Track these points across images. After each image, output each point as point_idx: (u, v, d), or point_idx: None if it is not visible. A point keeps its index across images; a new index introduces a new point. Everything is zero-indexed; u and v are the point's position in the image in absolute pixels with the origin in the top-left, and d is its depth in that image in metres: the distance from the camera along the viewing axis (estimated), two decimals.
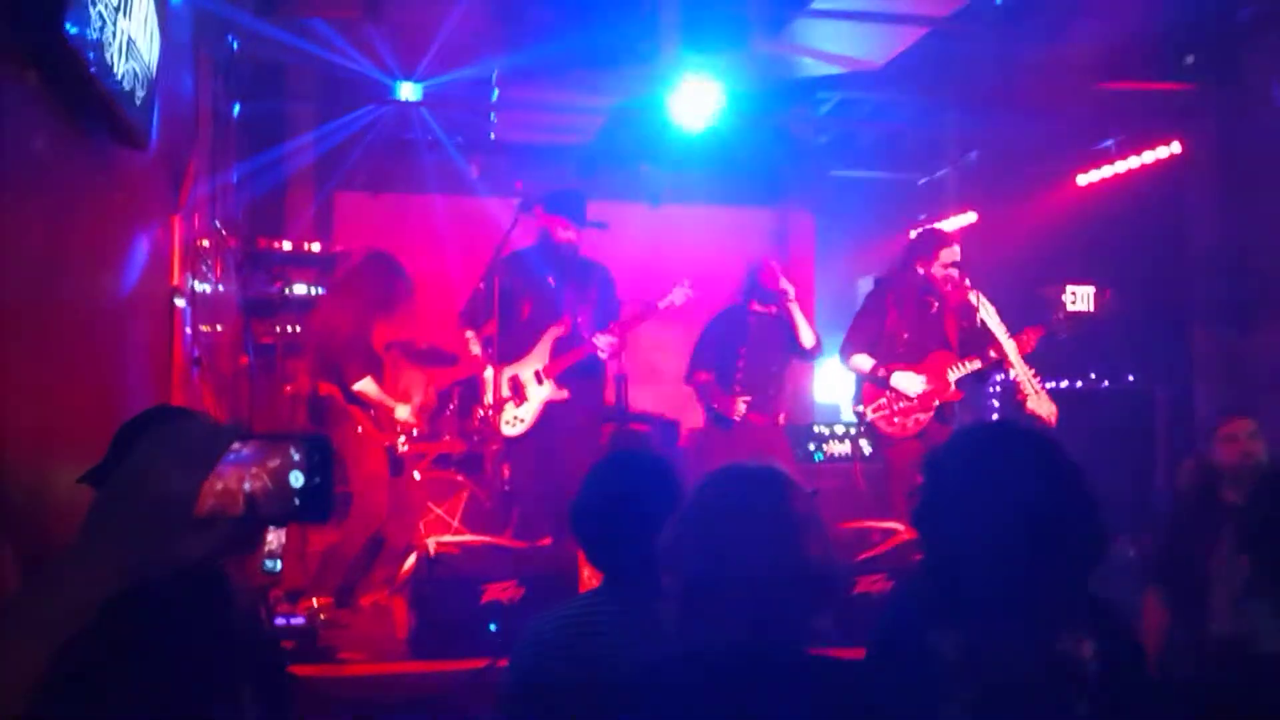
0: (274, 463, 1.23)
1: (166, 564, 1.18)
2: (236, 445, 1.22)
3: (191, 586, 1.93)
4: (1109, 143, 8.74)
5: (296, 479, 1.23)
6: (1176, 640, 4.46)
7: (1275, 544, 2.27)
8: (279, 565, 3.55)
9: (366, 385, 6.09)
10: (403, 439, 6.33)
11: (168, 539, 1.17)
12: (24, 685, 1.09)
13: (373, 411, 6.15)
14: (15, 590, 2.13)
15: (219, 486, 1.20)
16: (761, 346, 6.68)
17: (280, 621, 4.84)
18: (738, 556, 1.95)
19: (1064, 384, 8.52)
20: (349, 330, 6.12)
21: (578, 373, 6.29)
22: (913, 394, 6.08)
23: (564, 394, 6.19)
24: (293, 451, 1.24)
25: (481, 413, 6.94)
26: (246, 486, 1.22)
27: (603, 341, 6.24)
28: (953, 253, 6.18)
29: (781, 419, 6.89)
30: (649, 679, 2.02)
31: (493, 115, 9.97)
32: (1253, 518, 2.48)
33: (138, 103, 4.15)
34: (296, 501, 1.23)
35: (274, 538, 3.82)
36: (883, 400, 6.15)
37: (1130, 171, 8.38)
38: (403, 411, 6.30)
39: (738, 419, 6.52)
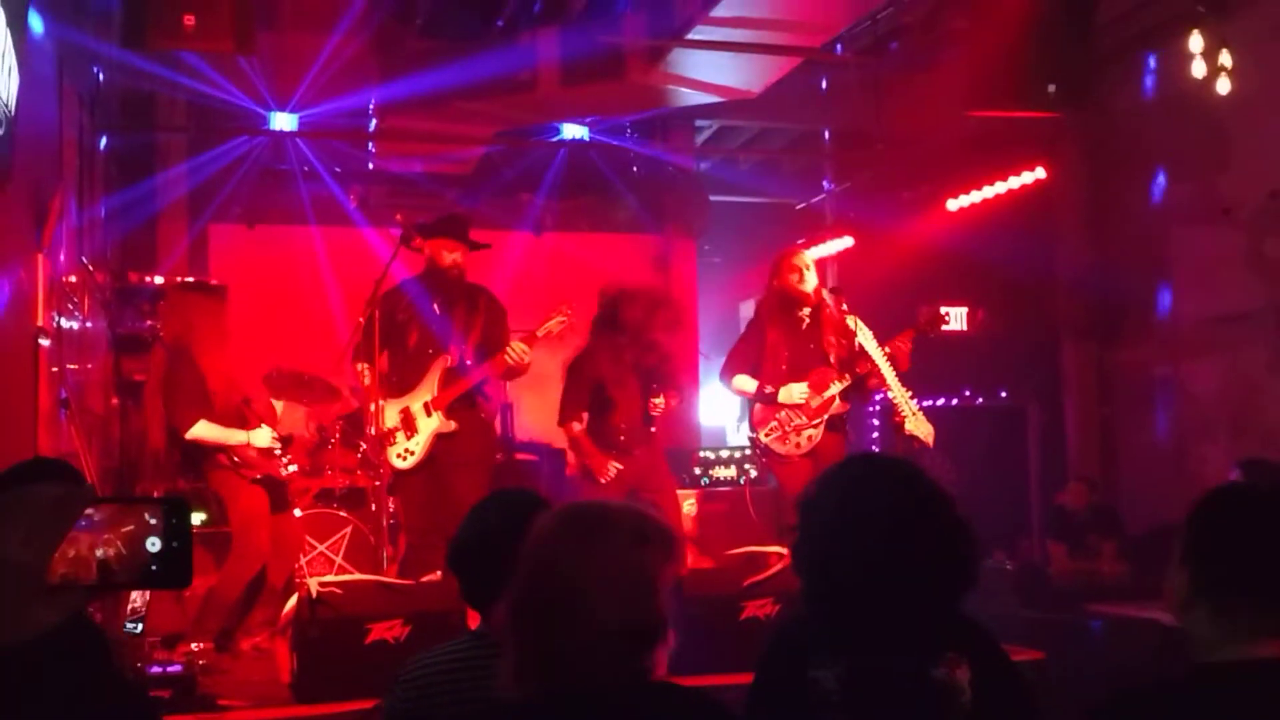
0: (128, 528, 1.20)
1: (19, 634, 1.15)
2: (89, 511, 1.19)
3: (57, 644, 1.87)
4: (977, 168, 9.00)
5: (153, 544, 1.20)
6: None
7: None
8: (140, 628, 3.39)
9: (200, 430, 5.68)
10: (287, 459, 5.99)
11: (17, 609, 1.14)
12: None
13: (227, 452, 5.79)
14: None
15: (70, 554, 1.17)
16: (636, 394, 6.38)
17: (156, 670, 4.68)
18: (563, 599, 1.91)
19: (940, 402, 8.73)
20: (167, 378, 5.77)
21: (466, 403, 6.18)
22: (799, 400, 6.13)
23: (453, 425, 6.05)
24: (148, 516, 1.20)
25: (364, 446, 6.80)
26: (99, 553, 1.18)
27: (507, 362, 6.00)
28: (802, 258, 6.32)
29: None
30: None
31: (371, 145, 9.89)
32: None
33: None
34: (153, 567, 1.20)
35: (138, 596, 3.67)
36: (774, 422, 6.19)
37: (999, 196, 8.63)
38: (261, 437, 5.83)
39: (605, 482, 6.24)
